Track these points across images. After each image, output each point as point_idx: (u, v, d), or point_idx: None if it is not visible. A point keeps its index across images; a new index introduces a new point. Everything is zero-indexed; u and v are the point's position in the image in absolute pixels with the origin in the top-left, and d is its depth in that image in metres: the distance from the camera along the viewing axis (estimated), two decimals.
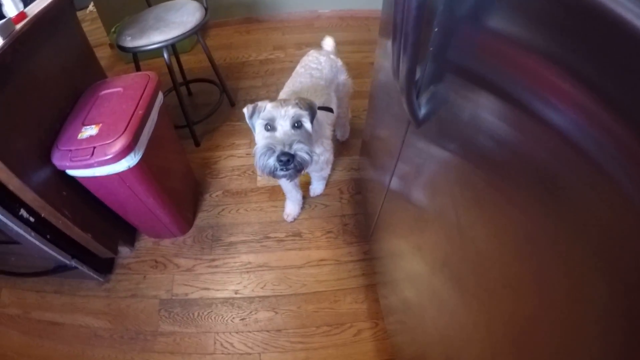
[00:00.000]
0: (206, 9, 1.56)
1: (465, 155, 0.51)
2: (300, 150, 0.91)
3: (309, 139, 1.00)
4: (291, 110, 0.93)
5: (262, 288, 1.32)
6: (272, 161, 0.91)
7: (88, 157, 0.97)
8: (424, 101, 0.62)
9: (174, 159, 1.41)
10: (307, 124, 0.98)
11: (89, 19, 3.09)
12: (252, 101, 2.16)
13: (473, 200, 0.49)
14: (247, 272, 1.37)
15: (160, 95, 1.20)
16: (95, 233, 1.23)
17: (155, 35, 1.41)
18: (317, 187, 1.55)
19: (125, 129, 0.99)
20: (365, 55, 2.31)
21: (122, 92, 1.13)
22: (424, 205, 0.70)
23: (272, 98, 2.06)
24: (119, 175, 1.04)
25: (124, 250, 1.44)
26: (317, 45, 1.52)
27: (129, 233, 1.47)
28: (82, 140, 1.01)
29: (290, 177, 0.97)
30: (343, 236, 1.45)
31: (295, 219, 1.51)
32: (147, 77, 1.16)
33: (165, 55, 1.48)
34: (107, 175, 1.03)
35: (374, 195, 1.17)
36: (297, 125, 0.96)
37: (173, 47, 1.81)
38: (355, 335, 1.19)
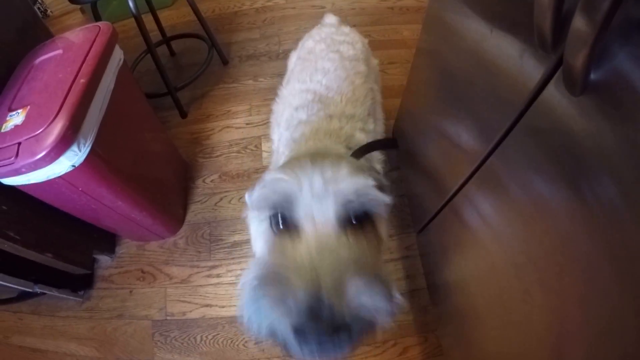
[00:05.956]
0: None
1: None
2: (363, 305, 0.34)
3: (377, 256, 0.44)
4: (343, 183, 0.38)
5: None
6: (278, 324, 0.35)
7: (12, 159, 0.65)
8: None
9: (150, 139, 1.07)
10: (381, 220, 0.43)
11: None
12: (250, 57, 1.79)
13: None
14: None
15: (119, 53, 0.85)
16: (56, 251, 0.96)
17: None
18: None
19: (58, 111, 0.66)
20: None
21: (62, 55, 0.79)
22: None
23: (275, 55, 1.69)
24: (63, 179, 0.73)
25: (103, 259, 1.17)
26: None
27: (105, 238, 1.17)
28: (6, 134, 0.69)
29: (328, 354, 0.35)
30: None
31: None
32: (96, 29, 0.81)
33: (131, 3, 1.11)
34: (47, 181, 0.72)
35: (429, 180, 0.84)
36: (353, 218, 0.40)
37: None
38: (400, 355, 0.96)
